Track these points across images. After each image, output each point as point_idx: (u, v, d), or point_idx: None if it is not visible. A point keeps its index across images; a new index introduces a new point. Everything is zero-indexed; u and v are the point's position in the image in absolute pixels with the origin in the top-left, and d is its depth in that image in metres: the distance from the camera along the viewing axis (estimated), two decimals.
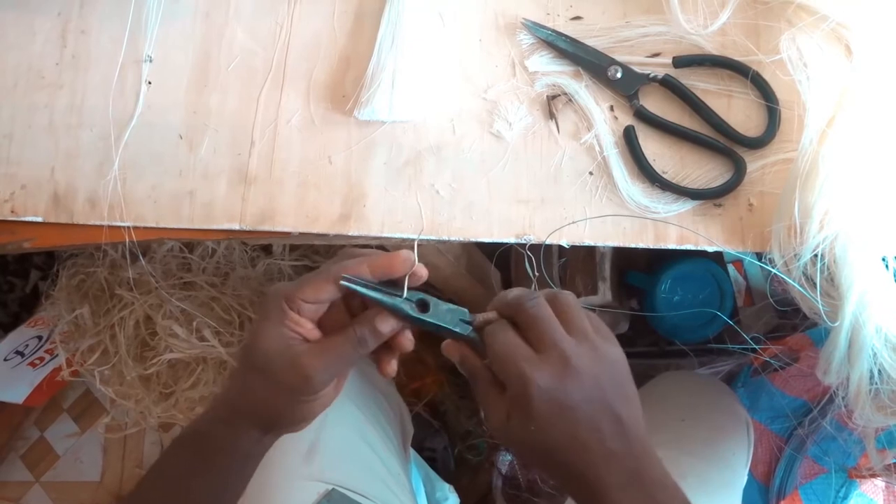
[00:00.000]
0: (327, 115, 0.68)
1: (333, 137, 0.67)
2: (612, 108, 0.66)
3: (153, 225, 0.67)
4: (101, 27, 0.69)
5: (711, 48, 0.65)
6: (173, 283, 1.11)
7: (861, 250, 0.57)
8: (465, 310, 0.55)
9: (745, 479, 0.85)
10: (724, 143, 0.64)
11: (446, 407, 1.30)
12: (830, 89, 0.60)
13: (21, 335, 1.23)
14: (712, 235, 0.64)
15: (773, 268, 0.60)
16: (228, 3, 0.69)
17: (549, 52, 0.67)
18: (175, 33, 0.69)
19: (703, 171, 0.65)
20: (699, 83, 0.66)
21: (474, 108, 0.67)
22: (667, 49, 0.66)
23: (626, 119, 0.66)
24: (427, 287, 0.56)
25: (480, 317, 0.54)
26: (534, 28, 0.67)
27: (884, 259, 0.59)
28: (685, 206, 0.64)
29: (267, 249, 1.18)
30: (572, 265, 1.10)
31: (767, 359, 1.02)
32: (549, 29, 0.67)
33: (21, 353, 1.24)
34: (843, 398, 0.61)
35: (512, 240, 0.65)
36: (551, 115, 0.66)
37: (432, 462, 1.21)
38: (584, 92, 0.66)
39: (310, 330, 0.54)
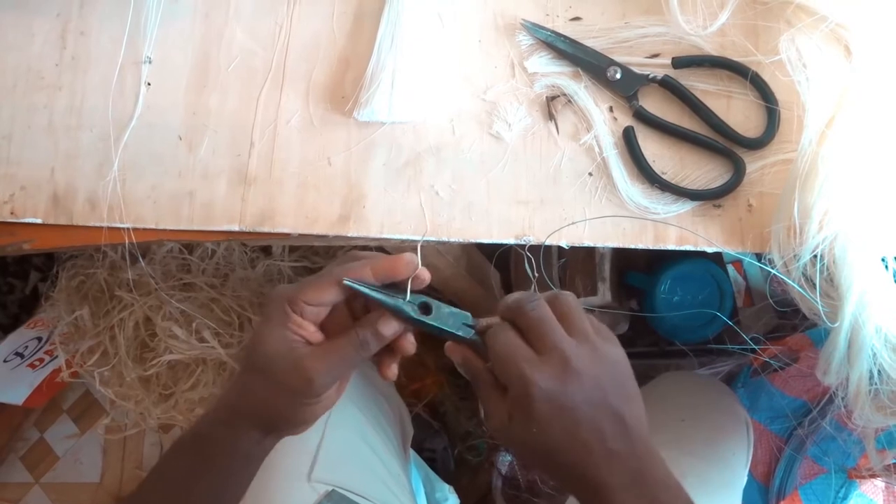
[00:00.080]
0: (327, 116, 0.68)
1: (333, 138, 0.67)
2: (611, 109, 0.66)
3: (153, 226, 0.67)
4: (101, 28, 0.69)
5: (711, 49, 0.65)
6: (173, 284, 1.11)
7: (861, 251, 0.57)
8: (468, 314, 0.55)
9: (744, 479, 0.85)
10: (723, 143, 0.64)
11: (446, 408, 1.30)
12: (830, 90, 0.60)
13: (21, 336, 1.23)
14: (712, 236, 0.64)
15: (772, 268, 0.60)
16: (228, 3, 0.69)
17: (548, 53, 0.67)
18: (174, 34, 0.69)
19: (702, 171, 0.65)
20: (698, 84, 0.66)
21: (474, 109, 0.67)
22: (666, 50, 0.66)
23: (626, 120, 0.66)
24: (427, 289, 0.56)
25: (483, 321, 0.54)
26: (533, 29, 0.67)
27: (883, 259, 0.59)
28: (685, 207, 0.64)
29: (266, 250, 1.18)
30: (572, 266, 1.10)
31: (767, 359, 1.02)
32: (548, 30, 0.67)
33: (21, 355, 1.24)
34: (842, 398, 0.61)
35: (511, 241, 0.65)
36: (551, 116, 0.66)
37: (432, 463, 1.20)
38: (584, 93, 0.66)
39: (312, 332, 0.54)
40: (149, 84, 0.68)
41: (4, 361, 1.22)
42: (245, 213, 0.66)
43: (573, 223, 0.64)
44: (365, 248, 0.75)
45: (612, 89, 0.66)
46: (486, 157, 0.66)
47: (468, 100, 0.67)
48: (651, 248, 0.64)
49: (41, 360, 1.29)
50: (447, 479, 1.12)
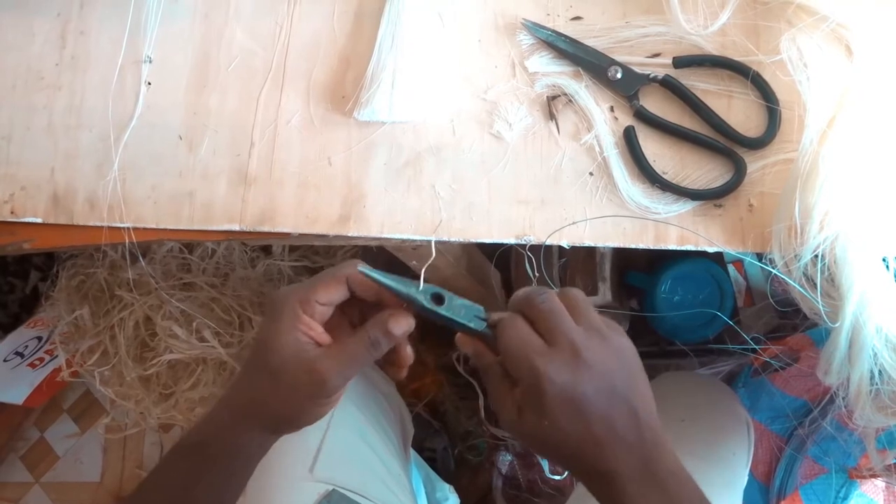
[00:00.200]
0: (327, 116, 0.68)
1: (333, 138, 0.67)
2: (612, 109, 0.66)
3: (153, 226, 0.67)
4: (101, 28, 0.69)
5: (711, 48, 0.65)
6: (173, 283, 1.11)
7: (861, 251, 0.57)
8: (481, 307, 0.55)
9: (745, 479, 0.85)
10: (724, 143, 0.64)
11: (446, 407, 1.30)
12: (831, 90, 0.60)
13: (21, 336, 1.23)
14: (712, 236, 0.64)
15: (773, 268, 0.60)
16: (228, 3, 0.69)
17: (548, 53, 0.67)
18: (174, 34, 0.69)
19: (703, 171, 0.65)
20: (699, 83, 0.66)
21: (474, 109, 0.67)
22: (667, 49, 0.66)
23: (627, 119, 0.66)
24: None
25: (495, 314, 0.54)
26: (533, 28, 0.67)
27: (884, 259, 0.59)
28: (685, 207, 0.64)
29: (267, 250, 1.18)
30: (572, 266, 1.10)
31: (768, 359, 1.02)
32: (548, 29, 0.67)
33: (21, 354, 1.24)
34: (843, 398, 0.61)
35: (512, 240, 0.65)
36: (551, 116, 0.66)
37: (432, 462, 1.20)
38: (584, 92, 0.66)
39: (321, 334, 0.55)
40: (149, 84, 0.68)
41: (4, 361, 1.22)
42: (245, 212, 0.66)
43: (574, 223, 0.64)
44: (365, 248, 0.75)
45: (613, 89, 0.66)
46: (487, 157, 0.66)
47: (469, 99, 0.67)
48: (652, 247, 0.64)
49: (41, 359, 1.29)
50: (447, 478, 1.12)
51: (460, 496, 1.10)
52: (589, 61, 0.66)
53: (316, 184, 0.66)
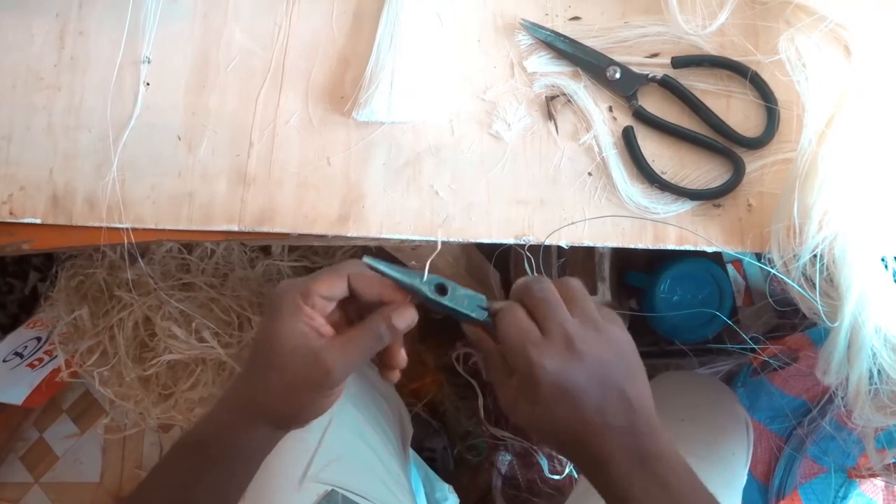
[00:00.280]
0: (326, 116, 0.68)
1: (332, 138, 0.67)
2: (610, 109, 0.66)
3: (152, 226, 0.67)
4: (100, 28, 0.69)
5: (710, 48, 0.65)
6: (172, 284, 1.10)
7: (860, 250, 0.57)
8: (483, 297, 0.56)
9: (744, 478, 0.85)
10: (723, 143, 0.64)
11: (446, 407, 1.30)
12: (829, 89, 0.60)
13: (20, 336, 1.23)
14: (711, 236, 0.64)
15: (772, 268, 0.60)
16: (227, 3, 0.69)
17: (547, 53, 0.67)
18: (173, 34, 0.69)
19: (702, 171, 0.65)
20: (698, 83, 0.66)
21: (473, 109, 0.67)
22: (665, 49, 0.66)
23: (625, 119, 0.66)
24: None
25: (497, 304, 0.55)
26: (532, 28, 0.67)
27: (883, 259, 0.59)
28: (684, 207, 0.64)
29: (266, 250, 1.18)
30: (571, 266, 1.10)
31: (767, 359, 1.02)
32: (547, 29, 0.67)
33: (20, 355, 1.24)
34: (842, 398, 0.61)
35: (511, 240, 0.65)
36: (550, 116, 0.66)
37: (432, 462, 1.20)
38: (583, 92, 0.66)
39: (322, 325, 0.55)
40: (148, 84, 0.68)
41: (4, 361, 1.22)
42: (244, 212, 0.66)
43: (573, 223, 0.64)
44: (365, 248, 0.75)
45: (612, 89, 0.66)
46: (486, 157, 0.66)
47: (467, 100, 0.67)
48: (651, 247, 0.64)
49: (40, 359, 1.29)
50: (447, 478, 1.12)
51: (460, 496, 1.10)
52: (588, 61, 0.66)
53: (315, 184, 0.66)
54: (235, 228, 0.66)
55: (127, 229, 0.66)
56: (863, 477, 0.94)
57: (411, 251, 0.89)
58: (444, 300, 0.55)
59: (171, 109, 0.68)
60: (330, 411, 0.58)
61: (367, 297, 0.56)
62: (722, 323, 1.11)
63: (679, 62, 0.65)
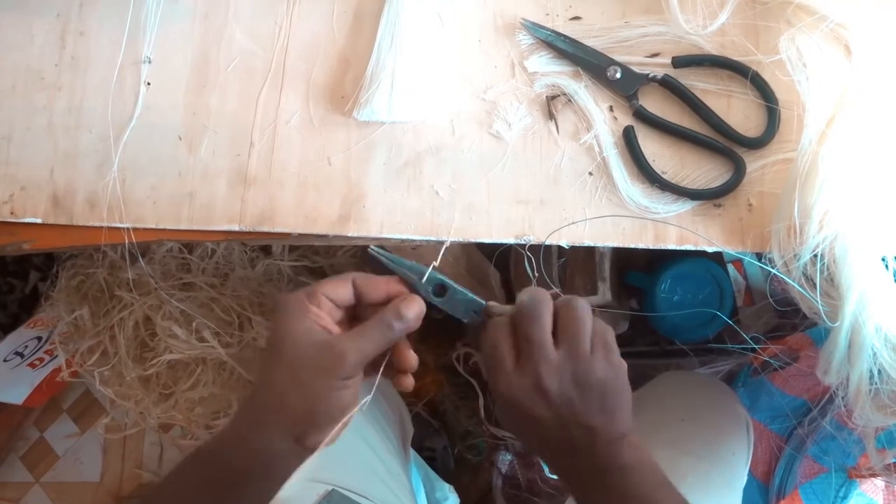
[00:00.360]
0: (326, 116, 0.68)
1: (333, 138, 0.67)
2: (611, 109, 0.66)
3: (152, 226, 0.67)
4: (100, 28, 0.69)
5: (711, 48, 0.65)
6: (173, 283, 1.11)
7: (861, 250, 0.57)
8: (482, 302, 0.57)
9: (745, 478, 0.85)
10: (723, 143, 0.64)
11: (446, 407, 1.30)
12: (830, 89, 0.60)
13: (20, 336, 1.23)
14: (712, 236, 0.64)
15: (772, 268, 0.60)
16: (227, 4, 0.69)
17: (548, 53, 0.67)
18: (174, 34, 0.69)
19: (702, 171, 0.65)
20: (698, 83, 0.66)
21: (473, 109, 0.67)
22: (666, 49, 0.66)
23: (626, 119, 0.66)
24: None
25: (497, 309, 0.57)
26: (533, 28, 0.67)
27: (883, 259, 0.59)
28: (685, 207, 0.64)
29: (266, 250, 1.18)
30: (572, 265, 1.10)
31: (767, 358, 1.02)
32: (548, 29, 0.67)
33: (21, 354, 1.24)
34: (842, 398, 0.61)
35: (511, 240, 0.65)
36: (551, 116, 0.66)
37: (432, 462, 1.21)
38: (584, 92, 0.66)
39: (331, 323, 0.55)
40: (148, 84, 0.68)
41: (4, 361, 1.22)
42: (245, 212, 0.66)
43: (573, 223, 0.64)
44: (365, 248, 0.75)
45: (612, 89, 0.66)
46: (486, 157, 0.66)
47: (468, 99, 0.67)
48: (651, 247, 0.64)
49: (41, 359, 1.29)
50: (447, 478, 1.12)
51: (460, 496, 1.11)
52: (588, 61, 0.66)
53: (315, 184, 0.66)
54: (236, 228, 0.66)
55: (127, 229, 0.66)
56: (863, 477, 0.94)
57: (412, 251, 0.89)
58: (439, 302, 0.56)
59: (172, 109, 0.68)
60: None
61: (373, 299, 0.56)
62: (722, 323, 1.11)
63: (680, 62, 0.65)
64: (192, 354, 1.10)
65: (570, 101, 0.66)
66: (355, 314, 0.59)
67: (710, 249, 0.64)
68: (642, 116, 0.65)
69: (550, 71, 0.67)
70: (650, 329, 1.19)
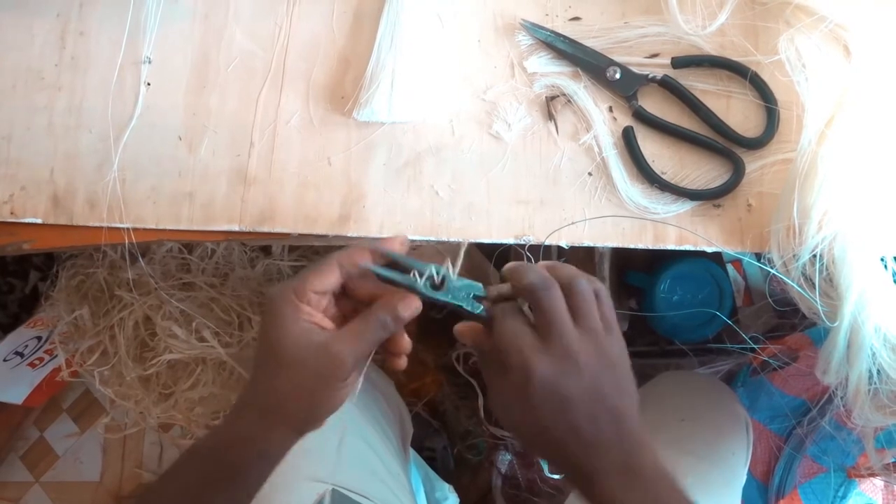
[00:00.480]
0: (326, 116, 0.68)
1: (333, 138, 0.67)
2: (610, 109, 0.66)
3: (153, 226, 0.67)
4: (101, 29, 0.69)
5: (710, 49, 0.65)
6: (172, 283, 1.11)
7: (860, 250, 0.57)
8: (480, 285, 0.56)
9: (744, 478, 0.86)
10: (722, 143, 0.64)
11: (446, 406, 1.30)
12: (829, 90, 0.60)
13: (20, 336, 1.23)
14: (711, 236, 0.64)
15: (771, 268, 0.60)
16: (227, 4, 0.69)
17: (547, 53, 0.67)
18: (174, 35, 0.69)
19: (701, 171, 0.65)
20: (698, 84, 0.66)
21: (473, 109, 0.67)
22: (665, 50, 0.67)
23: (625, 120, 0.66)
24: None
25: (494, 290, 0.55)
26: (532, 29, 0.67)
27: (882, 259, 0.59)
28: (684, 207, 0.64)
29: (266, 250, 1.18)
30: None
31: (766, 358, 1.02)
32: (547, 30, 0.67)
33: (20, 354, 1.24)
34: (842, 398, 0.61)
35: (511, 240, 0.65)
36: (550, 116, 0.66)
37: (432, 462, 1.21)
38: (583, 93, 0.66)
39: (322, 319, 0.55)
40: (148, 84, 0.68)
41: (4, 360, 1.22)
42: (245, 212, 0.66)
43: (573, 223, 0.64)
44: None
45: (612, 89, 0.66)
46: (486, 157, 0.66)
47: (468, 100, 0.67)
48: (650, 247, 0.64)
49: (41, 359, 1.29)
50: (447, 478, 1.12)
51: (460, 495, 1.10)
52: (588, 62, 0.66)
53: (315, 184, 0.66)
54: (236, 228, 0.66)
55: (127, 229, 0.66)
56: (862, 476, 0.94)
57: (412, 251, 0.89)
58: (440, 295, 0.55)
59: (172, 110, 0.68)
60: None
61: (360, 292, 0.56)
62: (722, 323, 1.11)
63: (679, 62, 0.65)
64: (191, 354, 1.10)
65: (569, 101, 0.66)
66: (343, 301, 0.58)
67: (709, 249, 0.64)
68: (642, 117, 0.65)
69: (550, 71, 0.67)
70: (650, 329, 1.19)
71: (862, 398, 0.59)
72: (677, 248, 0.64)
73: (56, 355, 1.26)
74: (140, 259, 0.74)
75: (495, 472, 1.25)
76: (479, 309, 0.55)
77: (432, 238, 0.66)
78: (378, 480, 0.79)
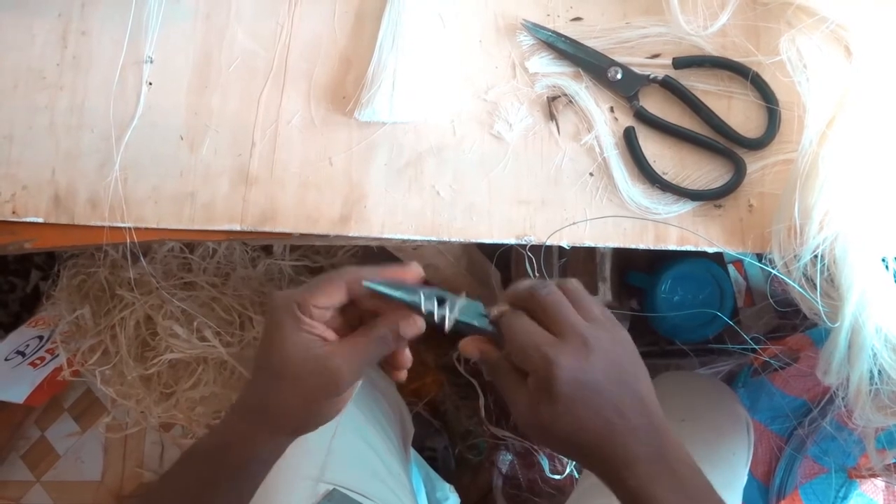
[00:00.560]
0: (328, 116, 0.68)
1: (334, 138, 0.67)
2: (612, 110, 0.67)
3: (154, 226, 0.67)
4: (102, 28, 0.69)
5: (711, 49, 0.65)
6: (174, 283, 1.11)
7: (861, 251, 0.57)
8: (480, 303, 0.56)
9: (745, 478, 0.85)
10: (724, 144, 0.64)
11: (446, 406, 1.30)
12: (830, 90, 0.60)
13: (22, 335, 1.23)
14: (712, 236, 0.64)
15: (773, 268, 0.60)
16: (229, 4, 0.69)
17: (549, 54, 0.67)
18: (176, 34, 0.69)
19: (703, 172, 0.65)
20: (699, 84, 0.66)
21: (475, 110, 0.67)
22: (667, 50, 0.67)
23: (627, 120, 0.66)
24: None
25: (495, 310, 0.55)
26: (534, 29, 0.67)
27: (883, 259, 0.59)
28: (685, 207, 0.64)
29: (267, 250, 1.18)
30: (572, 266, 1.10)
31: (767, 359, 1.02)
32: (549, 30, 0.67)
33: (22, 353, 1.24)
34: (843, 398, 0.61)
35: (512, 241, 0.65)
36: (552, 117, 0.66)
37: (433, 462, 1.21)
38: (585, 93, 0.66)
39: (325, 331, 0.55)
40: (150, 84, 0.69)
41: (6, 360, 1.23)
42: (246, 212, 0.66)
43: (574, 223, 0.64)
44: (366, 248, 0.75)
45: (613, 89, 0.66)
46: (487, 158, 0.66)
47: (469, 100, 0.67)
48: (652, 248, 0.64)
49: (42, 358, 1.29)
50: (448, 478, 1.12)
51: (461, 495, 1.11)
52: (589, 62, 0.66)
53: (317, 184, 0.66)
54: (237, 228, 0.66)
55: (129, 229, 0.66)
56: (863, 477, 0.94)
57: (413, 251, 0.89)
58: (446, 314, 0.54)
59: (174, 109, 0.68)
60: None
61: (366, 307, 0.56)
62: (723, 323, 1.11)
63: (680, 63, 0.65)
64: (193, 354, 1.11)
65: (570, 101, 0.66)
66: (349, 310, 0.58)
67: (710, 250, 0.64)
68: (643, 117, 0.65)
69: (551, 72, 0.67)
70: (650, 329, 1.19)
71: (863, 399, 0.59)
72: (678, 248, 0.64)
73: (57, 354, 1.26)
74: (141, 258, 0.74)
75: (496, 472, 1.26)
76: (485, 323, 0.55)
77: (433, 238, 0.66)
78: (379, 480, 0.79)
